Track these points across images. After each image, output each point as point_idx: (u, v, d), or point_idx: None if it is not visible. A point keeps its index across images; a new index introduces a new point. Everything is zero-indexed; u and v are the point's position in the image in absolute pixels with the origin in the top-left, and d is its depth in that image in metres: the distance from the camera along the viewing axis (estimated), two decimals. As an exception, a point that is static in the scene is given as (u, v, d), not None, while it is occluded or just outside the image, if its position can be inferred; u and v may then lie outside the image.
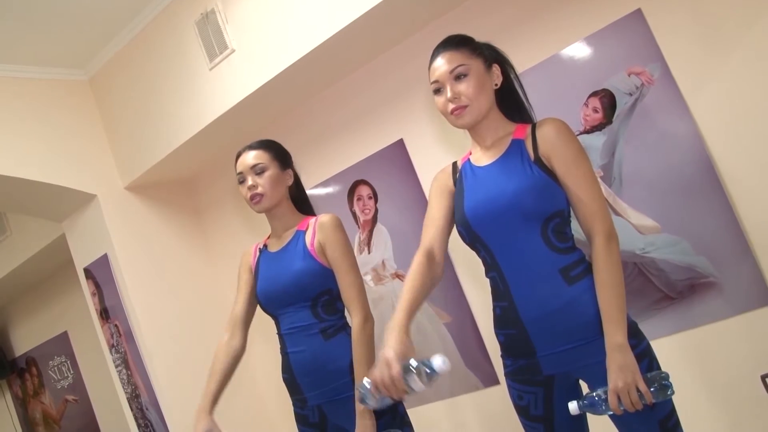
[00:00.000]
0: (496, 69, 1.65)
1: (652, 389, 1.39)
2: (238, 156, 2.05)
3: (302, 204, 2.13)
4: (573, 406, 1.45)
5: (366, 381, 1.43)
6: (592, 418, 1.63)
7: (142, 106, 3.39)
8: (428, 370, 1.35)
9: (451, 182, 1.72)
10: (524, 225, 1.52)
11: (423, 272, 1.61)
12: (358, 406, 1.80)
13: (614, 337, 1.42)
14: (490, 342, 2.80)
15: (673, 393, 1.41)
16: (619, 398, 1.40)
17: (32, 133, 3.28)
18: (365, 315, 1.90)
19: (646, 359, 1.49)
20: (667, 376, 1.41)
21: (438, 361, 1.35)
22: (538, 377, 1.57)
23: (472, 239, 1.61)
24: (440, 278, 1.68)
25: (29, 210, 3.71)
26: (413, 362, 1.36)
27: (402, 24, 2.80)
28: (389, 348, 1.41)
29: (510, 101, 1.70)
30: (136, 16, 3.26)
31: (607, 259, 1.46)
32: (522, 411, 1.63)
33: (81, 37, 3.30)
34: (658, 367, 1.51)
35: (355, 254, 3.11)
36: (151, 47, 3.31)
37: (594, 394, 1.45)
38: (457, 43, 1.63)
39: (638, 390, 1.38)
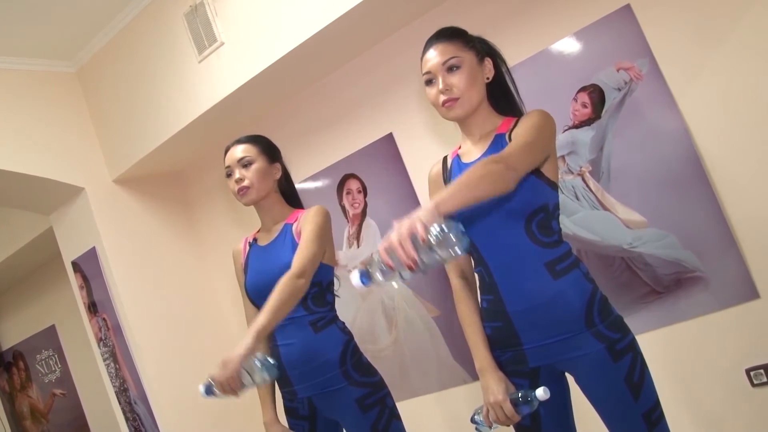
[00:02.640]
0: (488, 62, 1.65)
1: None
2: (226, 151, 2.05)
3: (292, 198, 2.13)
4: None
5: (477, 415, 1.60)
6: (580, 413, 1.65)
7: (131, 98, 3.37)
8: (530, 398, 1.50)
9: (442, 181, 1.72)
10: (508, 221, 1.53)
11: (473, 303, 1.65)
12: (252, 329, 1.74)
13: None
14: (479, 336, 2.81)
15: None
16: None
17: (19, 126, 3.25)
18: (303, 272, 1.83)
19: (630, 353, 1.49)
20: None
21: (540, 392, 1.48)
22: (525, 368, 1.58)
23: None
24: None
25: (17, 203, 3.68)
26: (519, 394, 1.51)
27: (391, 18, 2.80)
28: (496, 392, 1.54)
29: (500, 95, 1.70)
30: (125, 7, 3.24)
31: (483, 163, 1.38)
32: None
33: (68, 28, 3.27)
34: (643, 362, 1.51)
35: (344, 248, 3.14)
36: (140, 39, 3.29)
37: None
38: (450, 34, 1.63)
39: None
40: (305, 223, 1.94)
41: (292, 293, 1.81)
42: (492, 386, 1.55)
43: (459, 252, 1.20)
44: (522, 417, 1.54)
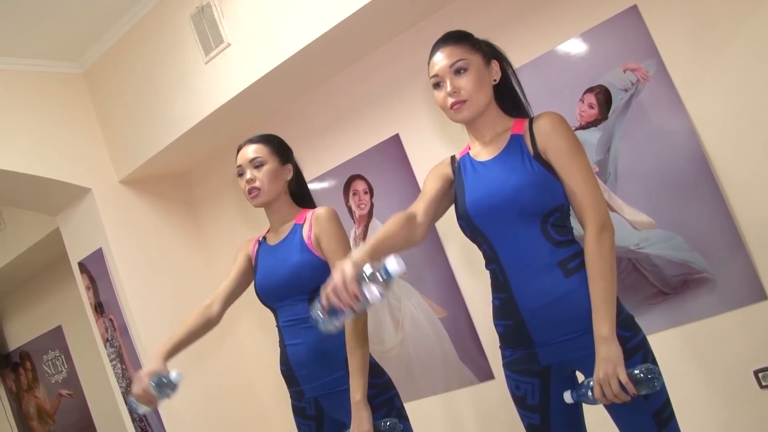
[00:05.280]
0: (495, 65, 1.66)
1: (639, 376, 1.40)
2: (239, 149, 2.06)
3: (303, 198, 2.13)
4: (567, 396, 1.49)
5: (318, 305, 1.42)
6: (590, 412, 1.65)
7: (137, 99, 3.38)
8: (383, 275, 1.35)
9: (449, 171, 1.74)
10: (524, 220, 1.54)
11: (400, 223, 1.60)
12: (353, 397, 1.81)
13: (600, 329, 1.44)
14: (486, 337, 2.82)
15: (660, 385, 1.43)
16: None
17: (26, 127, 3.26)
18: None
19: (640, 352, 1.50)
20: (654, 370, 1.42)
21: (392, 263, 1.35)
22: (536, 367, 1.59)
23: (473, 232, 1.63)
24: (417, 241, 1.64)
25: (23, 203, 3.69)
26: (368, 268, 1.35)
27: (397, 19, 2.80)
28: (347, 259, 1.40)
29: (507, 97, 1.71)
30: (132, 8, 3.25)
31: (597, 251, 1.48)
32: (519, 401, 1.65)
33: (75, 29, 3.28)
34: (653, 360, 1.52)
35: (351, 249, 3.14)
36: (147, 40, 3.30)
37: (584, 384, 1.48)
38: (457, 38, 1.64)
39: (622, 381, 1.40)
40: (326, 236, 1.93)
41: (363, 335, 1.90)
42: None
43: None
44: (363, 301, 1.37)
